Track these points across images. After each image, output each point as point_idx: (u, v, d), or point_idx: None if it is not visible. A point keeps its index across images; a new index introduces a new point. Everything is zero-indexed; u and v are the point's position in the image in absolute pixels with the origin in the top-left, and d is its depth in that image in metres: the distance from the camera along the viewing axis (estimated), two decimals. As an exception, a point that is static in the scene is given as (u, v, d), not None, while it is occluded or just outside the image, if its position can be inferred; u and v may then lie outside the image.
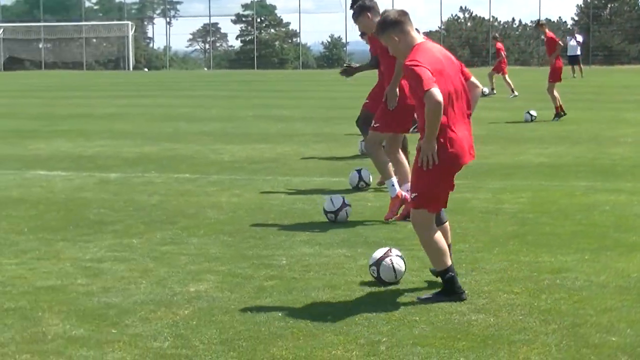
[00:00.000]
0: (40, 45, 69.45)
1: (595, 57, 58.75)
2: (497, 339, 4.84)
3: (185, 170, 11.87)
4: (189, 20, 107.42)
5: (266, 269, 6.45)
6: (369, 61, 9.55)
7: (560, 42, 19.69)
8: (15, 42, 67.70)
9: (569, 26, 63.63)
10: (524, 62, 53.82)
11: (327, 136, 16.10)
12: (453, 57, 5.68)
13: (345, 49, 69.49)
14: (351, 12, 8.68)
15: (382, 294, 5.76)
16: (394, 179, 8.41)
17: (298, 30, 71.39)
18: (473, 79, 5.77)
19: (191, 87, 36.77)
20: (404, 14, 5.58)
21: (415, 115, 5.75)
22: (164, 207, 9.06)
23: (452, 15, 68.84)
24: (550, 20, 68.35)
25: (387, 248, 6.08)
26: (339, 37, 72.16)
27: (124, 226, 8.11)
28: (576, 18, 66.19)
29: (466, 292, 5.61)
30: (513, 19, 72.43)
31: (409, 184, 6.13)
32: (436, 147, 5.37)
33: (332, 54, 72.21)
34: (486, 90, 27.91)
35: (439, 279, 5.68)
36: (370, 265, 5.99)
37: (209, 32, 77.75)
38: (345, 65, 9.73)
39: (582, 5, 65.68)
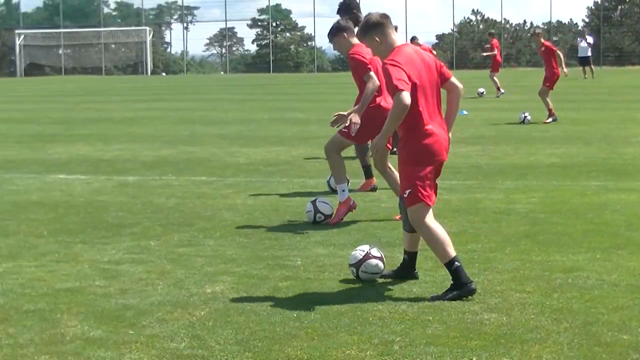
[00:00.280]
0: (60, 51, 69.80)
1: (606, 58, 58.59)
2: (510, 338, 4.88)
3: (202, 173, 11.96)
4: (205, 25, 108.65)
5: (281, 269, 6.52)
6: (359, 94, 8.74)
7: (557, 51, 19.52)
8: (36, 48, 68.05)
9: (579, 28, 63.42)
10: (536, 64, 53.56)
11: (342, 138, 16.11)
12: (433, 58, 5.95)
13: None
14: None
15: (396, 293, 5.81)
16: (345, 185, 8.55)
17: (313, 34, 71.58)
18: (453, 79, 6.00)
19: (208, 91, 36.87)
20: (385, 17, 5.93)
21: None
22: (181, 210, 9.15)
23: (464, 17, 69.00)
24: (561, 22, 68.50)
25: (367, 248, 6.18)
26: (354, 40, 72.15)
27: (141, 228, 8.20)
28: (587, 20, 66.05)
29: (477, 289, 5.67)
30: (524, 21, 72.48)
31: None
32: (386, 144, 6.04)
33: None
34: (500, 92, 27.89)
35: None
36: (350, 266, 6.16)
37: (225, 36, 77.95)
38: (334, 116, 8.53)
39: (593, 7, 65.60)
